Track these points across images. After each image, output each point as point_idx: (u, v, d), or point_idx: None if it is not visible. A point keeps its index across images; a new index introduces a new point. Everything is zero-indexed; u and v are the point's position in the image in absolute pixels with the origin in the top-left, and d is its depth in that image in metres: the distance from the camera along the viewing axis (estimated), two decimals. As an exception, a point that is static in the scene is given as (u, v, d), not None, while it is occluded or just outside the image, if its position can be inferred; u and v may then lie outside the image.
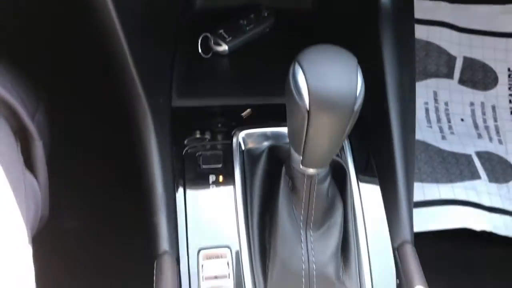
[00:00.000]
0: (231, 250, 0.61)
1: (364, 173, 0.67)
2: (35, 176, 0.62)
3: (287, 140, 0.55)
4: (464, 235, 1.05)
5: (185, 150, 0.67)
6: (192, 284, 0.59)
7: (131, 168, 0.65)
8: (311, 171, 0.54)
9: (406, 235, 0.64)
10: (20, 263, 0.49)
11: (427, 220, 1.05)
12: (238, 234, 0.62)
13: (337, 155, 0.66)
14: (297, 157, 0.53)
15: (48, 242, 0.68)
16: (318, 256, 0.60)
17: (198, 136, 0.68)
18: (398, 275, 0.62)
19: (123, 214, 0.88)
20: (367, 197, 0.65)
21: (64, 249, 0.86)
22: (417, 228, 0.70)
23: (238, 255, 0.61)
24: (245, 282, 0.60)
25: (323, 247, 0.60)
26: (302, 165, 0.53)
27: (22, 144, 0.60)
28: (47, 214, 0.66)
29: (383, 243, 0.64)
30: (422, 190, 1.08)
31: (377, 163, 0.68)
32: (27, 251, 0.51)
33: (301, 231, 0.60)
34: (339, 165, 0.63)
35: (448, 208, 1.07)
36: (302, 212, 0.58)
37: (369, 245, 0.63)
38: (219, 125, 0.69)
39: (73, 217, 0.91)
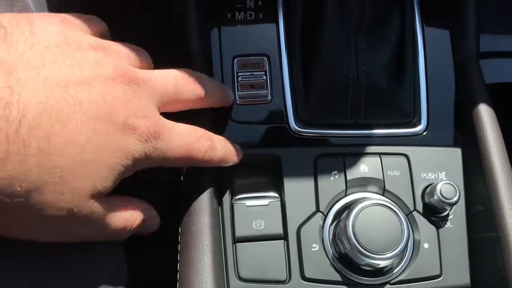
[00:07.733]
0: (269, 59, 0.54)
1: None
2: None
3: None
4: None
5: None
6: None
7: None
8: None
9: (471, 51, 0.56)
10: None
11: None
12: (277, 41, 0.55)
13: None
14: None
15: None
16: (368, 65, 0.52)
17: None
18: (458, 93, 0.55)
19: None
20: (428, 5, 0.56)
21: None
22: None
23: (277, 64, 0.54)
24: (285, 91, 0.54)
25: (375, 55, 0.52)
26: None
27: None
28: None
29: (444, 58, 0.56)
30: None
31: None
32: None
33: (351, 35, 0.52)
34: None
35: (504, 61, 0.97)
36: (354, 9, 0.50)
37: (427, 58, 0.55)
38: None
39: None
